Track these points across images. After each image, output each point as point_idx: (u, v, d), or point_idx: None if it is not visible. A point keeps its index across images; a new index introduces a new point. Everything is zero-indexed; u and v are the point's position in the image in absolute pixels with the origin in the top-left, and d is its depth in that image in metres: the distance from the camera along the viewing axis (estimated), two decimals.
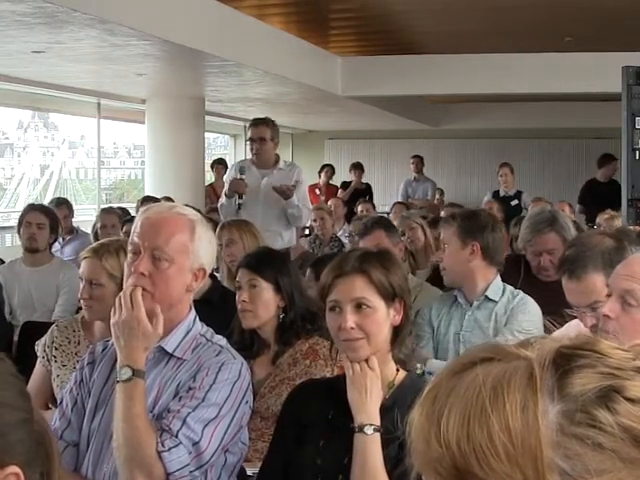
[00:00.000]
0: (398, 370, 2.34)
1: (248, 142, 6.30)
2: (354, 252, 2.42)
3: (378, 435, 2.20)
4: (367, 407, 2.23)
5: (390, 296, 2.30)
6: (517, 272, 4.31)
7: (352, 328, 2.26)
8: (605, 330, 2.18)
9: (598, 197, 9.81)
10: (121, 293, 2.26)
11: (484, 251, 3.65)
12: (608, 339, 0.90)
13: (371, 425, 2.20)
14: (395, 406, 2.22)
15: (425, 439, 0.88)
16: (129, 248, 2.33)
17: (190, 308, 2.39)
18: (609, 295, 2.26)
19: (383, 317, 2.29)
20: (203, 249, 2.33)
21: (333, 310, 2.30)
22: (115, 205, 8.35)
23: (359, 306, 2.27)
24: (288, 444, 2.34)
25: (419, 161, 13.21)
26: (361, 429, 2.20)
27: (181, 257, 2.28)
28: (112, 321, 2.24)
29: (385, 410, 2.25)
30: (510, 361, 0.88)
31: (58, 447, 1.10)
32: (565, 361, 0.86)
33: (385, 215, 9.37)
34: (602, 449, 0.82)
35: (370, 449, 2.19)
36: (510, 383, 0.85)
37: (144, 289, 2.24)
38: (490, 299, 3.65)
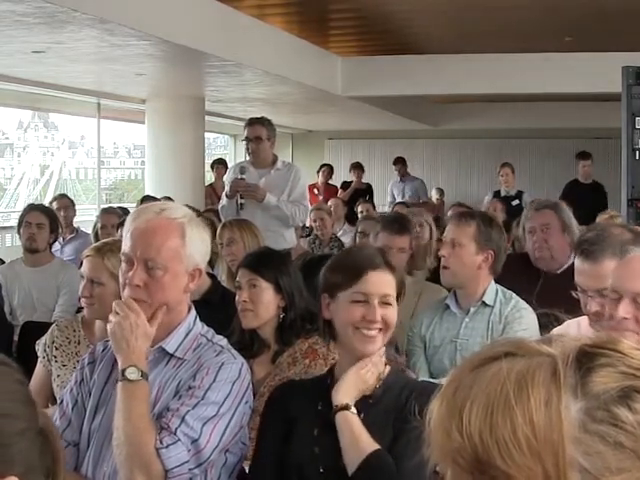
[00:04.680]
0: (386, 365, 2.39)
1: (244, 142, 6.30)
2: (373, 248, 2.56)
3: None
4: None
5: (398, 295, 2.40)
6: (522, 270, 4.27)
7: (378, 321, 2.32)
8: (624, 328, 2.19)
9: (580, 199, 9.64)
10: (115, 304, 2.27)
11: (495, 260, 3.55)
12: (628, 338, 0.91)
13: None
14: (385, 395, 2.32)
15: (445, 430, 0.89)
16: (122, 258, 2.34)
17: (190, 308, 2.39)
18: (618, 298, 2.25)
19: (396, 313, 2.38)
20: (196, 250, 2.33)
21: (357, 302, 2.33)
22: (115, 205, 8.37)
23: (384, 301, 2.34)
24: (278, 440, 2.35)
25: (402, 166, 13.21)
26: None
27: (174, 263, 2.29)
28: (111, 325, 2.24)
29: (377, 398, 2.32)
30: (533, 357, 0.89)
31: (64, 452, 1.08)
32: (588, 359, 0.87)
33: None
34: (622, 448, 0.83)
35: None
36: (534, 378, 0.86)
37: (141, 300, 2.26)
38: (487, 305, 3.55)
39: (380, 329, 2.32)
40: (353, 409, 2.26)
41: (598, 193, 10.08)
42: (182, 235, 2.31)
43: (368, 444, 2.20)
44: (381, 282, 2.35)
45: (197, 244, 2.34)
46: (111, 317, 2.26)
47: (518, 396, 0.85)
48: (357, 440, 2.22)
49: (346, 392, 2.28)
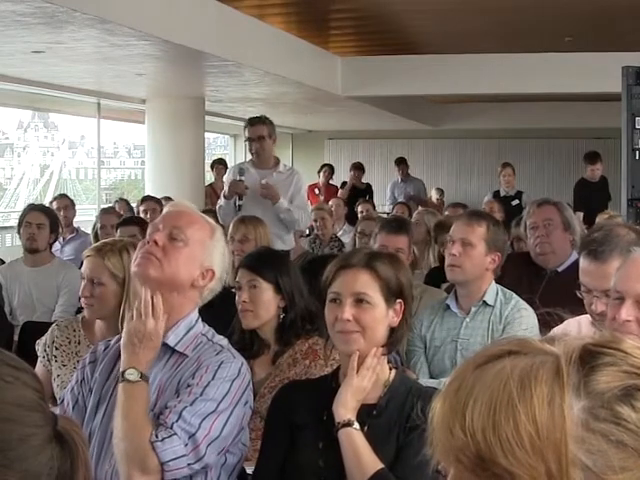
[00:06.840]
0: (391, 369, 2.37)
1: (247, 142, 6.28)
2: (364, 249, 2.49)
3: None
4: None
5: (393, 296, 2.32)
6: (523, 269, 4.27)
7: (348, 320, 2.27)
8: (628, 332, 2.15)
9: (591, 198, 9.49)
10: (142, 295, 2.28)
11: (500, 262, 3.58)
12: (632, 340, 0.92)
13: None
14: (389, 404, 2.29)
15: (448, 428, 0.89)
16: (148, 230, 2.39)
17: (194, 307, 2.40)
18: (620, 299, 2.22)
19: (382, 314, 2.31)
20: (217, 252, 2.39)
21: (333, 301, 2.32)
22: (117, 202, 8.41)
23: (359, 300, 2.29)
24: (282, 446, 2.34)
25: (404, 166, 13.29)
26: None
27: (196, 245, 2.34)
28: (129, 325, 2.26)
29: (380, 409, 2.29)
30: (536, 355, 0.89)
31: (86, 457, 1.06)
32: (591, 358, 0.88)
33: (385, 215, 9.38)
34: (624, 446, 0.83)
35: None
36: (537, 376, 0.86)
37: (154, 256, 2.29)
38: (487, 304, 3.56)
39: (357, 330, 2.28)
40: (356, 424, 2.23)
41: (605, 189, 10.00)
42: (212, 232, 2.40)
43: (371, 462, 2.19)
44: (353, 280, 2.30)
45: (220, 249, 2.41)
46: (130, 317, 2.28)
47: (521, 394, 0.86)
48: (360, 459, 2.20)
49: (346, 405, 2.25)
